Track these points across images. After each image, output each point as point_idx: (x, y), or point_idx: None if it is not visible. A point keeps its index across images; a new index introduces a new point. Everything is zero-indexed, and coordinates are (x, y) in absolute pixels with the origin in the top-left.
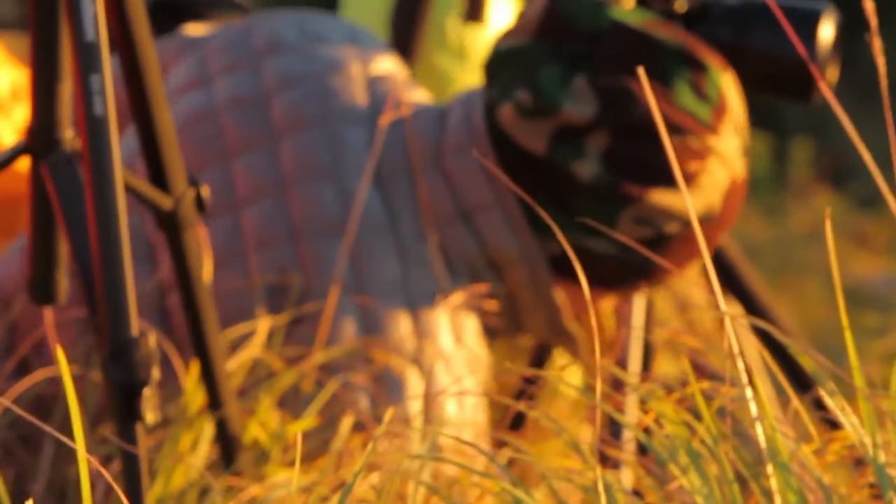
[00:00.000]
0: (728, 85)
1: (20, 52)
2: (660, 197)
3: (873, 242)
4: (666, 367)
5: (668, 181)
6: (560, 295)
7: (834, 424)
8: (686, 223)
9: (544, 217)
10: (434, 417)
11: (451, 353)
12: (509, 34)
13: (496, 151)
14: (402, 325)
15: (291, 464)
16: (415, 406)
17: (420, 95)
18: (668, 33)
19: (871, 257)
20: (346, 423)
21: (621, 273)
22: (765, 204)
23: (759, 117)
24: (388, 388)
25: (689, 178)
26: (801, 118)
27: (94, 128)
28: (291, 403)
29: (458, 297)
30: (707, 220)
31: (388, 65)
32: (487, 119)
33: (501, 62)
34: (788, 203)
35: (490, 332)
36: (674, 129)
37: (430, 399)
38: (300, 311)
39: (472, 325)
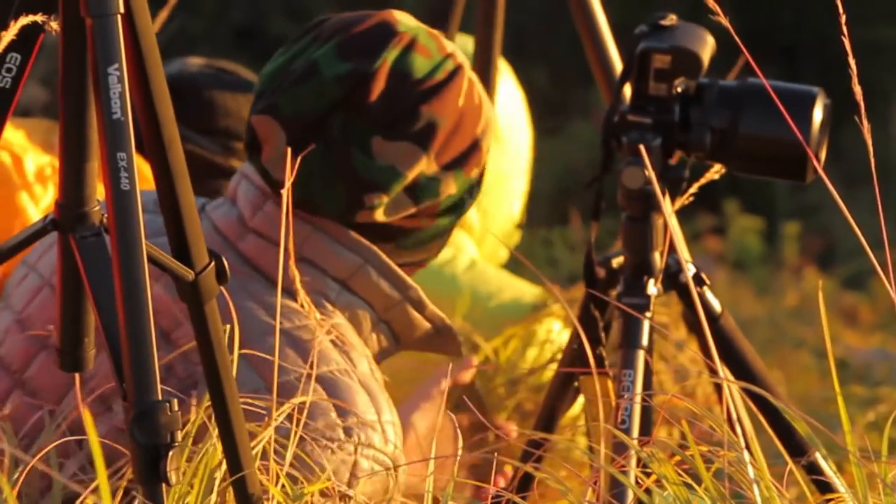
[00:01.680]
0: (421, 26)
1: (43, 138)
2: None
3: (859, 319)
4: (663, 434)
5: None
6: (409, 277)
7: (824, 488)
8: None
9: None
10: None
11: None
12: (271, 168)
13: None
14: (297, 363)
15: None
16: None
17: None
18: (377, 42)
19: (858, 333)
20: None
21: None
22: (757, 282)
23: (751, 200)
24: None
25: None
26: (788, 201)
27: (120, 202)
28: None
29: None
30: None
31: None
32: (344, 221)
33: (303, 183)
34: (779, 282)
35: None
36: (447, 96)
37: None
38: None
39: (356, 344)
